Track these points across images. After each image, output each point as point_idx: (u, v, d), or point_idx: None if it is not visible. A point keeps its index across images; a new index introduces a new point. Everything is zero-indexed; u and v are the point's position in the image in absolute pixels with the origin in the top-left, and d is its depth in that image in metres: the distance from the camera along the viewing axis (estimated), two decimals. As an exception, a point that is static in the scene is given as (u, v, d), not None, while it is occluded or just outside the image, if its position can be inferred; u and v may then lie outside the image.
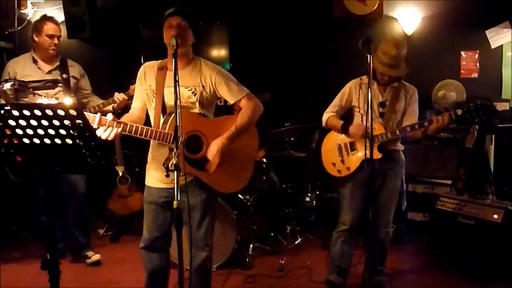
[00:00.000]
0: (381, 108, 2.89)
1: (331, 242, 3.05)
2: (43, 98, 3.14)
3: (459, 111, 2.58)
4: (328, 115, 3.05)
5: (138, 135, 2.18)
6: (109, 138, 2.10)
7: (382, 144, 2.83)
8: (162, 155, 2.28)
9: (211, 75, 2.33)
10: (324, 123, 3.08)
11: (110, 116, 2.10)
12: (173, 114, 2.17)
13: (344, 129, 2.94)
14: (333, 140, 3.07)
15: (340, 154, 3.00)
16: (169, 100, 2.28)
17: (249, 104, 2.37)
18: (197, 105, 2.32)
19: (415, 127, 2.76)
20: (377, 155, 2.79)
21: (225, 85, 2.33)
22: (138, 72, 2.41)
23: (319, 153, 3.15)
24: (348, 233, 2.94)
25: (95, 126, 2.07)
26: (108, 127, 2.08)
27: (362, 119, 2.93)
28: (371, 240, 2.83)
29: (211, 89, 2.34)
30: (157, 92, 2.30)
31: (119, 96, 3.47)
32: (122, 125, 2.13)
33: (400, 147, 2.99)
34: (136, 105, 2.43)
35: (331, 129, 3.08)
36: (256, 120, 2.42)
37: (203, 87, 2.32)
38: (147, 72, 2.38)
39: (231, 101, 2.39)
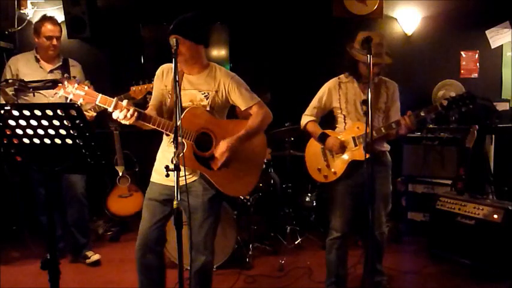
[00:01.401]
0: (364, 107, 2.78)
1: (326, 250, 2.93)
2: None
3: (445, 102, 2.58)
4: (307, 119, 2.94)
5: (150, 124, 2.24)
6: (125, 121, 2.17)
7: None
8: (172, 154, 2.29)
9: (225, 81, 2.38)
10: (302, 127, 2.98)
11: (125, 103, 2.16)
12: (185, 111, 2.25)
13: (321, 141, 2.84)
14: (316, 144, 2.93)
15: (325, 158, 2.88)
16: (185, 101, 2.34)
17: (260, 111, 2.43)
18: (208, 108, 2.37)
19: (400, 123, 2.65)
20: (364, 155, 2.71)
21: (237, 92, 2.38)
22: (157, 72, 2.47)
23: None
24: (341, 239, 2.85)
25: (110, 109, 2.14)
26: (123, 110, 2.15)
27: (345, 119, 2.84)
28: (369, 243, 2.74)
29: (224, 95, 2.39)
30: (172, 91, 2.35)
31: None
32: (136, 111, 2.18)
33: (387, 147, 2.91)
34: (153, 103, 2.48)
35: (310, 134, 2.97)
36: (265, 127, 2.48)
37: (216, 92, 2.37)
38: (165, 72, 2.43)
39: (242, 108, 2.42)
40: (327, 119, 3.00)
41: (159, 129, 2.27)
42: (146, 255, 2.39)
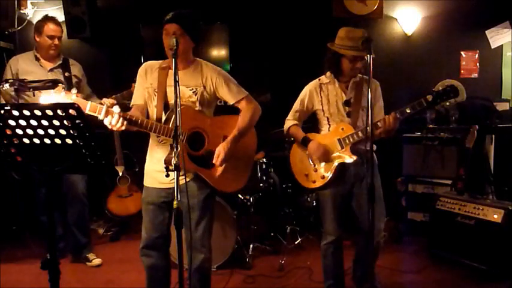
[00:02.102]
0: (347, 108, 2.72)
1: (321, 254, 2.87)
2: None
3: (429, 97, 2.51)
4: (290, 123, 2.86)
5: (142, 128, 2.22)
6: (115, 128, 2.12)
7: (354, 145, 2.66)
8: (161, 154, 2.31)
9: (212, 76, 2.38)
10: (285, 131, 2.90)
11: (116, 109, 2.12)
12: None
13: (304, 144, 2.77)
14: (302, 149, 2.84)
15: (312, 163, 2.78)
16: (172, 98, 2.30)
17: (249, 105, 2.43)
18: (197, 104, 2.36)
19: (385, 120, 2.57)
20: (352, 157, 2.65)
21: (225, 86, 2.38)
22: (139, 70, 2.43)
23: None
24: (336, 243, 2.80)
25: (101, 117, 2.09)
26: (114, 116, 2.10)
27: (329, 121, 2.76)
28: (368, 246, 2.62)
29: (212, 90, 2.39)
30: (158, 90, 2.33)
31: (106, 101, 3.47)
32: (128, 117, 2.15)
33: (373, 147, 2.77)
34: (136, 102, 2.45)
35: (294, 138, 2.89)
36: (256, 122, 2.47)
37: (204, 87, 2.37)
38: (148, 70, 2.41)
39: (230, 102, 2.43)
40: (313, 121, 2.92)
41: (152, 132, 2.25)
42: (150, 256, 2.41)
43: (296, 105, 2.88)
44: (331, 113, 2.75)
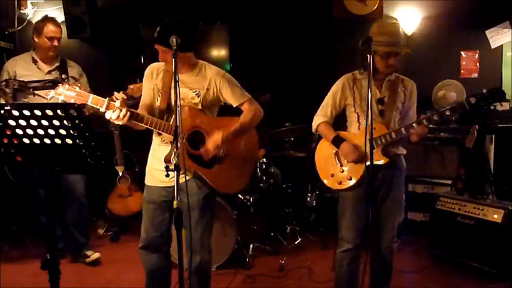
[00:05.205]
0: (379, 106, 2.56)
1: (336, 263, 2.67)
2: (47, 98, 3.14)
3: (473, 99, 2.32)
4: (319, 121, 2.69)
5: (143, 124, 2.24)
6: (117, 121, 2.15)
7: (386, 147, 2.51)
8: (163, 155, 2.31)
9: (216, 79, 2.39)
10: (313, 129, 2.73)
11: (118, 103, 2.15)
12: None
13: (335, 145, 2.61)
14: (328, 146, 2.67)
15: (339, 162, 2.63)
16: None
17: (251, 108, 2.45)
18: (200, 106, 2.38)
19: (423, 122, 2.43)
20: (383, 159, 2.50)
21: (229, 89, 2.40)
22: (145, 72, 2.47)
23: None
24: (354, 252, 2.60)
25: (102, 109, 2.14)
26: (115, 111, 2.14)
27: (359, 119, 2.59)
28: (373, 260, 2.38)
29: (215, 93, 2.40)
30: (162, 91, 2.36)
31: (117, 96, 3.49)
32: (129, 111, 2.16)
33: (403, 151, 2.64)
34: (144, 103, 2.47)
35: (323, 137, 2.74)
36: (256, 124, 2.49)
37: (207, 90, 2.38)
38: (154, 72, 2.44)
39: (234, 104, 2.45)
40: (338, 118, 2.77)
41: (153, 128, 2.27)
42: (149, 257, 2.42)
43: (327, 100, 2.69)
44: (363, 110, 2.57)
